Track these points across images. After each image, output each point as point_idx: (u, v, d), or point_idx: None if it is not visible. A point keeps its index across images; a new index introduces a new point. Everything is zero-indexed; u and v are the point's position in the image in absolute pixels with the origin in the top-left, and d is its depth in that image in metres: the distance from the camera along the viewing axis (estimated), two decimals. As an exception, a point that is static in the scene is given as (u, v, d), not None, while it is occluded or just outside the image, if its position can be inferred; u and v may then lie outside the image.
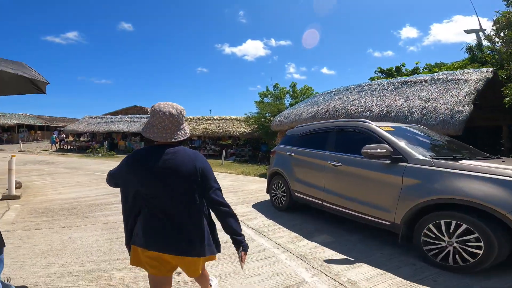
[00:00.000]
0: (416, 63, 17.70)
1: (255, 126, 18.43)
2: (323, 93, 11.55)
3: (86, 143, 21.93)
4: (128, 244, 1.62)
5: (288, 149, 5.10)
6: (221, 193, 1.60)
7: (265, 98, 21.42)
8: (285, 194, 5.01)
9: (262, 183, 8.19)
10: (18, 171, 8.84)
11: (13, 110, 29.55)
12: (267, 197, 5.94)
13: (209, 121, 21.33)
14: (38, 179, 8.74)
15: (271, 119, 17.90)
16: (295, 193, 4.72)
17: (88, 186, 7.60)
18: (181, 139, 1.53)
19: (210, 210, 1.65)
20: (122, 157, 18.71)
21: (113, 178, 1.64)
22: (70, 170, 11.39)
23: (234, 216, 1.58)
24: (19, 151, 20.96)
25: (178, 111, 1.51)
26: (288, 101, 21.07)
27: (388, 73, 17.67)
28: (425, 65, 17.11)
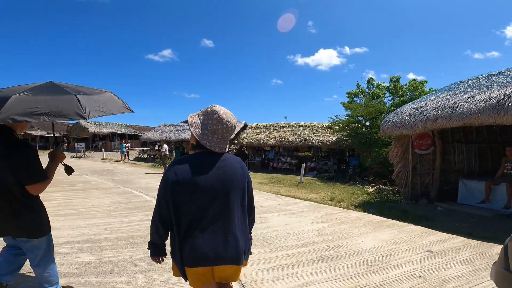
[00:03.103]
0: None
1: (343, 134, 14.25)
2: (481, 76, 6.89)
3: (159, 152, 21.37)
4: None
5: None
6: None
7: (355, 98, 16.94)
8: None
9: (379, 229, 4.36)
10: (65, 183, 8.43)
11: (107, 119, 32.17)
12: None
13: (285, 129, 18.07)
14: (60, 196, 6.76)
15: (367, 123, 13.52)
16: None
17: (93, 217, 5.02)
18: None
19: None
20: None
21: (164, 200, 1.37)
22: (118, 185, 9.51)
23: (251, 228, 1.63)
24: (101, 159, 21.72)
25: (235, 120, 1.46)
26: (388, 100, 16.09)
27: None
28: None
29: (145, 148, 24.74)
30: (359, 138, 12.86)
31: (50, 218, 2.07)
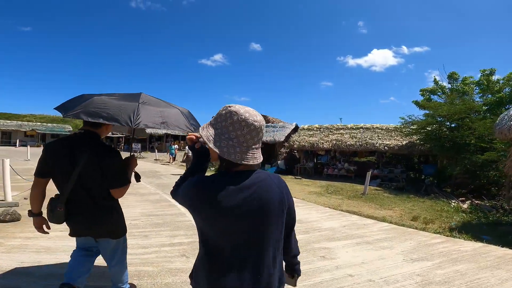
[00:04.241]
0: None
1: (419, 137, 11.76)
2: None
3: (185, 154, 20.99)
4: None
5: None
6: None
7: (433, 96, 14.09)
8: None
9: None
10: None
11: (162, 121, 33.43)
12: None
13: (341, 131, 16.00)
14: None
15: (452, 125, 10.88)
16: None
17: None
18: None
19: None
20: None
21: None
22: (158, 190, 8.86)
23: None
24: (154, 160, 22.19)
25: (261, 117, 1.10)
26: (478, 97, 12.95)
27: None
28: None
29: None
30: (441, 142, 10.33)
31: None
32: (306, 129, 17.30)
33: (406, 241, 4.48)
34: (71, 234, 1.97)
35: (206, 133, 1.04)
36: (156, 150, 25.41)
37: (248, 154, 1.02)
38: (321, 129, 16.76)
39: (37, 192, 1.86)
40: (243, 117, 1.01)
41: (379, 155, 14.59)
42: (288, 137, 17.06)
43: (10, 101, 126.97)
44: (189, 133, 1.18)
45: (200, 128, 1.09)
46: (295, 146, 16.04)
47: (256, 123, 1.02)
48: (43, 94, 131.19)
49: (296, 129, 18.15)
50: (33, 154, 18.05)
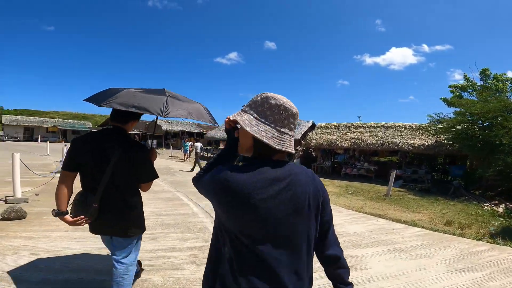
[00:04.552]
0: None
1: (448, 136, 10.97)
2: None
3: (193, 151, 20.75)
4: None
5: None
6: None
7: (464, 93, 13.15)
8: None
9: None
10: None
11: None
12: None
13: (361, 129, 15.28)
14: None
15: (485, 123, 10.04)
16: None
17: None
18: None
19: None
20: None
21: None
22: (171, 188, 8.63)
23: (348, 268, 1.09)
24: (169, 156, 22.20)
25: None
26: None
27: None
28: None
29: (208, 147, 24.64)
30: (473, 142, 9.53)
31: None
32: (324, 127, 16.69)
33: (446, 248, 3.95)
34: (92, 231, 1.92)
35: (241, 118, 0.97)
36: (172, 147, 25.47)
37: (285, 140, 0.95)
38: (340, 127, 16.09)
39: (65, 188, 1.78)
40: (281, 101, 0.97)
41: (402, 154, 13.79)
42: (304, 135, 16.52)
43: (36, 98, 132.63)
44: (228, 117, 1.06)
45: (231, 116, 1.02)
46: (312, 144, 15.50)
47: (293, 109, 0.99)
48: (66, 91, 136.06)
49: (313, 127, 17.56)
50: (52, 150, 18.38)
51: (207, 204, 5.94)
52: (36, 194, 5.95)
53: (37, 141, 34.92)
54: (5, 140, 33.57)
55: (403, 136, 13.41)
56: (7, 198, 5.06)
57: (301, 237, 0.95)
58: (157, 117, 2.01)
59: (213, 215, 4.99)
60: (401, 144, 12.96)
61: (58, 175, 7.60)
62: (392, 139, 13.38)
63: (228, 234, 0.94)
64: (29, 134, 38.35)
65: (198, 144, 13.84)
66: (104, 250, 3.10)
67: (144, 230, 2.04)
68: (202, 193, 1.05)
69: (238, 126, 1.01)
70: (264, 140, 0.91)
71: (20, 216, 4.07)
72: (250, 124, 0.94)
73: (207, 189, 1.00)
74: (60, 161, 10.28)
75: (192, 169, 13.14)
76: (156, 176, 1.95)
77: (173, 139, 35.01)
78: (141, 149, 1.88)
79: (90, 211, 1.78)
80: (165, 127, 34.00)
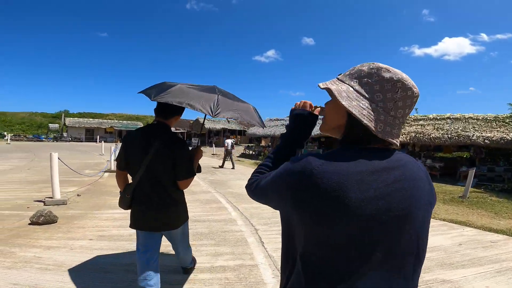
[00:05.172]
0: None
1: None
2: None
3: (264, 149, 20.21)
4: None
5: None
6: None
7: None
8: None
9: None
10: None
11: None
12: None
13: (422, 122, 13.35)
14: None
15: None
16: None
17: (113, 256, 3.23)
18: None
19: None
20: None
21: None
22: (210, 188, 8.21)
23: None
24: (212, 154, 22.33)
25: None
26: None
27: None
28: None
29: (250, 144, 24.24)
30: None
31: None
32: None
33: None
34: (132, 226, 1.92)
35: (337, 87, 0.73)
36: (214, 145, 25.68)
37: (393, 129, 0.70)
38: (394, 120, 14.32)
39: (120, 182, 1.95)
40: (399, 76, 0.70)
41: (477, 150, 11.66)
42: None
43: (97, 102, 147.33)
44: (319, 84, 0.77)
45: (322, 83, 0.76)
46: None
47: (414, 89, 0.71)
48: (122, 94, 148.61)
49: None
50: (107, 149, 19.58)
51: (246, 208, 5.28)
52: (78, 195, 5.89)
53: (96, 141, 38.22)
54: (69, 141, 37.34)
55: (477, 129, 11.32)
56: (46, 199, 4.98)
57: (413, 253, 0.67)
58: (205, 116, 1.95)
59: (253, 221, 3.48)
60: (474, 137, 10.92)
61: (107, 174, 7.56)
62: (463, 132, 11.37)
63: (304, 250, 0.66)
64: (90, 135, 42.20)
65: (229, 141, 13.37)
66: (114, 267, 2.60)
67: (187, 219, 2.13)
68: (263, 200, 0.81)
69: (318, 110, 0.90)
70: (364, 121, 0.67)
71: (49, 220, 3.83)
72: (348, 97, 0.70)
73: (274, 193, 0.73)
74: (108, 161, 10.57)
75: (221, 166, 13.06)
76: (193, 174, 1.94)
77: (215, 137, 35.55)
78: (183, 145, 1.89)
79: (124, 200, 1.87)
80: (207, 125, 34.62)
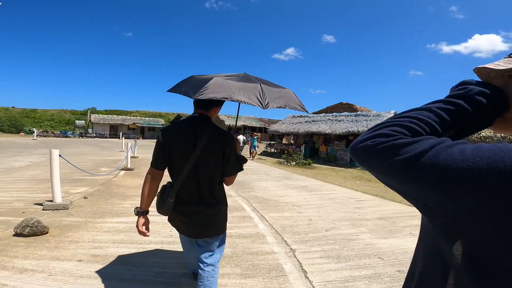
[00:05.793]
0: None
1: None
2: None
3: (286, 147, 19.16)
4: None
5: None
6: None
7: None
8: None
9: None
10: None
11: (240, 112, 33.75)
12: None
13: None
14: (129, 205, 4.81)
15: None
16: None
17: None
18: None
19: None
20: (319, 168, 14.01)
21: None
22: (230, 191, 7.32)
23: None
24: (232, 150, 21.59)
25: None
26: None
27: None
28: None
29: (272, 142, 23.27)
30: None
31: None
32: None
33: None
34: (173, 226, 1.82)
35: None
36: (234, 142, 24.94)
37: None
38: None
39: (151, 186, 1.67)
40: None
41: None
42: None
43: (123, 99, 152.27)
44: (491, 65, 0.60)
45: (492, 64, 0.59)
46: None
47: None
48: (145, 91, 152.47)
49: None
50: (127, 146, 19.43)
51: (275, 218, 4.36)
52: (84, 197, 5.23)
53: (119, 137, 38.82)
54: (94, 137, 38.13)
55: None
56: (45, 203, 4.33)
57: None
58: (238, 108, 1.94)
59: (287, 237, 3.38)
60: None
61: (122, 172, 6.73)
62: None
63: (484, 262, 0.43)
64: (114, 131, 43.01)
65: (241, 137, 12.38)
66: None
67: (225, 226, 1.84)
68: (421, 182, 0.46)
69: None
70: None
71: (36, 232, 3.11)
72: None
73: (477, 178, 0.41)
74: (125, 158, 10.04)
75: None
76: (241, 169, 1.76)
77: (236, 134, 35.01)
78: (231, 138, 1.71)
79: (166, 205, 1.66)
80: (227, 122, 34.06)
